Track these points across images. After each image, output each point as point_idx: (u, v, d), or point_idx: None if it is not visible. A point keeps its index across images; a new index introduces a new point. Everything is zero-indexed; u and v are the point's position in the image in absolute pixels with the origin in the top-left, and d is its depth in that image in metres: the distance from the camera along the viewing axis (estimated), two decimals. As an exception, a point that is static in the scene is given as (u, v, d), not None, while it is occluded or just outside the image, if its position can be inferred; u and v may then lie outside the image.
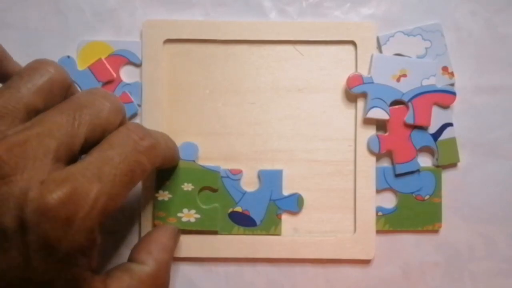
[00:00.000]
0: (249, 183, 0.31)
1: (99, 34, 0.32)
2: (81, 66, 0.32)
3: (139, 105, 0.32)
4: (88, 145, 0.23)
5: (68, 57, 0.32)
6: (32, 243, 0.20)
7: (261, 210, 0.31)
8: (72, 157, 0.23)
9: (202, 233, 0.31)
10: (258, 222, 0.31)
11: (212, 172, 0.31)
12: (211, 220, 0.31)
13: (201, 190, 0.31)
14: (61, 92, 0.24)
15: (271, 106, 0.32)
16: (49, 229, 0.20)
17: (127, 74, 0.32)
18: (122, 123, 0.24)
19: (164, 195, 0.30)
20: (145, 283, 0.25)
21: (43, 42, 0.32)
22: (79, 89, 0.30)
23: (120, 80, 0.32)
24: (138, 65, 0.32)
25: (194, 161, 0.31)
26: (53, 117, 0.22)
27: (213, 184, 0.31)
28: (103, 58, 0.32)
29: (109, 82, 0.32)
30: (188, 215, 0.30)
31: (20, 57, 0.32)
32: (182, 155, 0.31)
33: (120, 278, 0.25)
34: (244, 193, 0.31)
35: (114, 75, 0.32)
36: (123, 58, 0.32)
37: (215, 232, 0.31)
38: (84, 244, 0.21)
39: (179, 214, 0.30)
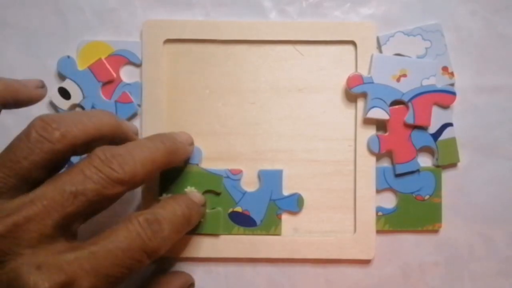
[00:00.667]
0: (249, 183, 0.31)
1: (99, 34, 0.32)
2: (81, 66, 0.32)
3: (139, 105, 0.32)
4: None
5: (68, 57, 0.32)
6: None
7: (261, 210, 0.31)
8: (71, 232, 0.23)
9: (202, 235, 0.31)
10: (258, 222, 0.31)
11: (216, 176, 0.31)
12: (214, 224, 0.31)
13: (204, 193, 0.31)
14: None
15: (271, 106, 0.32)
16: None
17: (127, 74, 0.32)
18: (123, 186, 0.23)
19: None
20: None
21: (43, 42, 0.32)
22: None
23: (120, 80, 0.32)
24: (138, 65, 0.32)
25: (197, 164, 0.31)
26: (54, 192, 0.22)
27: (216, 188, 0.31)
28: (103, 58, 0.32)
29: (109, 82, 0.32)
30: None
31: (20, 57, 0.32)
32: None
33: None
34: (244, 193, 0.31)
35: (114, 75, 0.32)
36: (123, 58, 0.32)
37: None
38: None
39: None
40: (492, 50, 0.32)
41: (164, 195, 0.30)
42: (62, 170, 0.24)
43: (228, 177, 0.31)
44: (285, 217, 0.31)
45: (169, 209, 0.25)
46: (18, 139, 0.23)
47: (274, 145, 0.32)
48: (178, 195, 0.28)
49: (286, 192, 0.31)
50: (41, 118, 0.23)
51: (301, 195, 0.31)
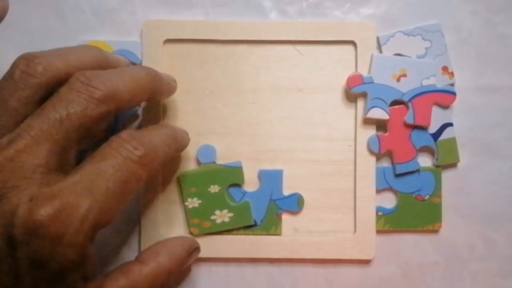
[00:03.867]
0: (249, 183, 0.31)
1: (99, 34, 0.32)
2: (81, 66, 0.32)
3: (139, 105, 0.32)
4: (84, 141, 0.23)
5: (68, 57, 0.32)
6: (22, 261, 0.20)
7: (262, 210, 0.31)
8: (67, 161, 0.23)
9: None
10: (258, 222, 0.31)
11: (235, 169, 0.31)
12: (245, 215, 0.31)
13: (228, 187, 0.31)
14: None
15: (271, 106, 0.32)
16: (38, 246, 0.20)
17: (127, 74, 0.32)
18: (119, 100, 0.23)
19: (194, 202, 0.31)
20: (139, 284, 0.25)
21: (43, 42, 0.32)
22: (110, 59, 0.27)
23: (120, 80, 0.32)
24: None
25: (214, 162, 0.31)
26: (39, 122, 0.22)
27: (238, 181, 0.31)
28: (103, 58, 0.32)
29: (109, 82, 0.32)
30: (221, 216, 0.31)
31: (20, 57, 0.32)
32: (201, 158, 0.31)
33: (116, 279, 0.24)
34: (244, 193, 0.31)
35: (114, 75, 0.32)
36: (123, 58, 0.32)
37: (251, 226, 0.31)
38: (75, 260, 0.21)
39: (213, 217, 0.31)
40: (492, 50, 0.32)
41: (190, 200, 0.30)
42: None
43: None
44: (285, 217, 0.31)
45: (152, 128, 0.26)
46: (3, 79, 0.23)
47: (274, 145, 0.32)
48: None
49: (286, 192, 0.31)
50: (23, 56, 0.23)
51: (301, 195, 0.31)
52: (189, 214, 0.31)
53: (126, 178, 0.22)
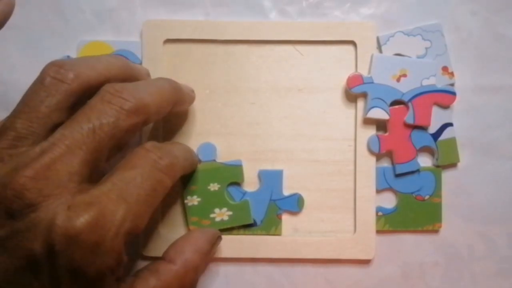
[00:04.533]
0: (249, 183, 0.31)
1: (99, 34, 0.32)
2: (81, 66, 0.32)
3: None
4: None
5: (68, 57, 0.32)
6: (61, 268, 0.20)
7: (262, 210, 0.31)
8: (97, 173, 0.23)
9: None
10: (258, 222, 0.31)
11: (234, 167, 0.31)
12: (244, 214, 0.31)
13: (228, 186, 0.31)
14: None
15: (271, 106, 0.32)
16: (77, 254, 0.20)
17: (127, 74, 0.32)
18: (145, 121, 0.24)
19: (193, 200, 0.31)
20: (170, 284, 0.25)
21: (43, 42, 0.32)
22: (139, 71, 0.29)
23: (120, 80, 0.32)
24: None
25: (214, 160, 0.31)
26: (73, 132, 0.22)
27: (237, 179, 0.31)
28: (103, 58, 0.32)
29: (109, 82, 0.32)
30: (220, 214, 0.31)
31: (20, 57, 0.32)
32: (201, 156, 0.31)
33: (146, 279, 0.25)
34: (244, 193, 0.31)
35: (114, 75, 0.32)
36: (123, 58, 0.32)
37: (251, 225, 0.31)
38: (112, 266, 0.21)
39: (212, 215, 0.31)
40: (492, 50, 0.32)
41: (190, 197, 0.31)
42: None
43: None
44: (285, 217, 0.31)
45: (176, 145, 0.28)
46: (34, 86, 0.23)
47: (274, 145, 0.32)
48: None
49: (286, 192, 0.31)
50: (52, 63, 0.23)
51: (301, 195, 0.31)
52: (188, 211, 0.31)
53: (154, 186, 0.23)
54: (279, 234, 0.31)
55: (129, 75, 0.26)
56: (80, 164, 0.22)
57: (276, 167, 0.32)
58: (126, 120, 0.23)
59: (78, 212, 0.20)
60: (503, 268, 0.32)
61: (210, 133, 0.32)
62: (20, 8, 0.32)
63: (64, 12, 0.32)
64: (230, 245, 0.31)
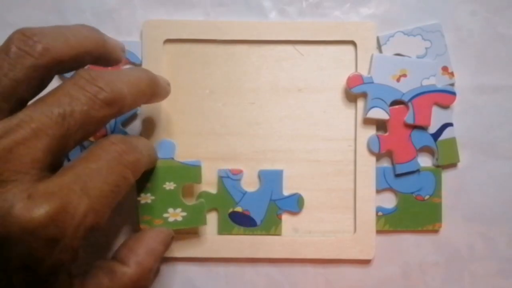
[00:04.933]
0: (249, 183, 0.31)
1: (99, 34, 0.32)
2: (81, 66, 0.32)
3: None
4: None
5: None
6: (13, 261, 0.19)
7: (262, 210, 0.31)
8: (60, 159, 0.22)
9: (190, 232, 0.30)
10: (258, 222, 0.31)
11: (193, 167, 0.29)
12: (198, 216, 0.29)
13: (184, 186, 0.30)
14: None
15: (271, 106, 0.32)
16: (33, 247, 0.19)
17: (127, 74, 0.32)
18: (118, 110, 0.23)
19: (146, 198, 0.29)
20: (124, 287, 0.24)
21: (43, 42, 0.32)
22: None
23: (120, 80, 0.32)
24: (138, 65, 0.32)
25: (172, 158, 0.30)
26: (41, 115, 0.20)
27: (195, 180, 0.29)
28: (103, 58, 0.32)
29: (109, 82, 0.32)
30: (174, 215, 0.29)
31: (20, 57, 0.32)
32: (159, 153, 0.29)
33: (99, 279, 0.24)
34: (244, 193, 0.31)
35: (114, 75, 0.32)
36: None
37: (203, 227, 0.30)
38: (68, 262, 0.20)
39: (165, 215, 0.29)
40: (492, 50, 0.32)
41: (143, 195, 0.29)
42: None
43: (228, 177, 0.31)
44: (285, 217, 0.31)
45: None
46: None
47: (274, 145, 0.32)
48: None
49: (286, 192, 0.31)
50: (20, 31, 0.21)
51: (301, 195, 0.31)
52: (140, 209, 0.29)
53: (118, 182, 0.22)
54: (279, 234, 0.31)
55: (104, 50, 0.24)
56: (45, 151, 0.20)
57: (276, 167, 0.32)
58: (99, 110, 0.21)
59: (38, 203, 0.19)
60: (503, 268, 0.32)
61: (210, 133, 0.32)
62: (20, 8, 0.32)
63: (64, 12, 0.32)
64: (230, 245, 0.31)
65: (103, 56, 0.25)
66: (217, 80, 0.32)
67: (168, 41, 0.32)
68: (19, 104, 0.21)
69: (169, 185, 0.29)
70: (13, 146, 0.20)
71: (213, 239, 0.31)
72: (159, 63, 0.31)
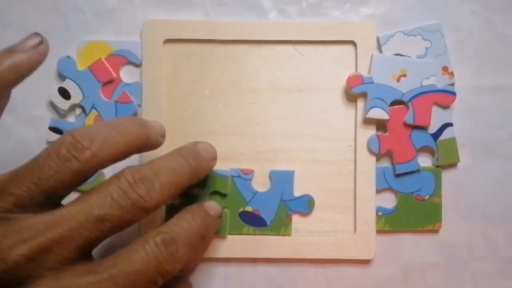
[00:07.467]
0: (257, 183, 0.31)
1: (99, 34, 0.32)
2: (81, 66, 0.32)
3: (139, 105, 0.32)
4: None
5: (68, 57, 0.32)
6: None
7: (272, 210, 0.31)
8: (92, 249, 0.23)
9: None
10: (268, 223, 0.31)
11: (223, 177, 0.31)
12: (221, 225, 0.30)
13: (211, 194, 0.31)
14: None
15: (271, 106, 0.32)
16: None
17: (127, 74, 0.32)
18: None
19: (174, 199, 0.30)
20: None
21: (43, 42, 0.32)
22: None
23: (120, 80, 0.32)
24: (138, 65, 0.32)
25: None
26: (81, 214, 0.22)
27: (223, 189, 0.31)
28: (103, 58, 0.32)
29: (109, 82, 0.32)
30: None
31: (20, 57, 0.32)
32: None
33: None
34: (255, 193, 0.31)
35: (114, 75, 0.32)
36: (123, 58, 0.32)
37: (223, 237, 0.31)
38: None
39: None
40: (492, 50, 0.32)
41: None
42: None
43: (239, 176, 0.31)
44: (285, 217, 0.31)
45: (185, 226, 0.25)
46: (47, 154, 0.22)
47: (274, 145, 0.32)
48: (194, 208, 0.27)
49: (297, 193, 0.31)
50: (71, 134, 0.22)
51: (312, 196, 0.31)
52: (167, 210, 0.30)
53: (147, 286, 0.22)
54: (288, 235, 0.31)
55: (145, 146, 0.25)
56: (76, 250, 0.21)
57: (276, 167, 0.31)
58: (134, 216, 0.23)
59: None
60: (503, 268, 0.32)
61: (210, 133, 0.32)
62: (20, 8, 0.32)
63: (64, 12, 0.32)
64: (230, 245, 0.31)
65: (145, 149, 0.26)
66: (217, 80, 0.32)
67: (168, 41, 0.32)
68: (59, 200, 0.23)
69: (196, 191, 0.30)
70: (50, 245, 0.21)
71: (213, 239, 0.31)
72: (159, 63, 0.31)
